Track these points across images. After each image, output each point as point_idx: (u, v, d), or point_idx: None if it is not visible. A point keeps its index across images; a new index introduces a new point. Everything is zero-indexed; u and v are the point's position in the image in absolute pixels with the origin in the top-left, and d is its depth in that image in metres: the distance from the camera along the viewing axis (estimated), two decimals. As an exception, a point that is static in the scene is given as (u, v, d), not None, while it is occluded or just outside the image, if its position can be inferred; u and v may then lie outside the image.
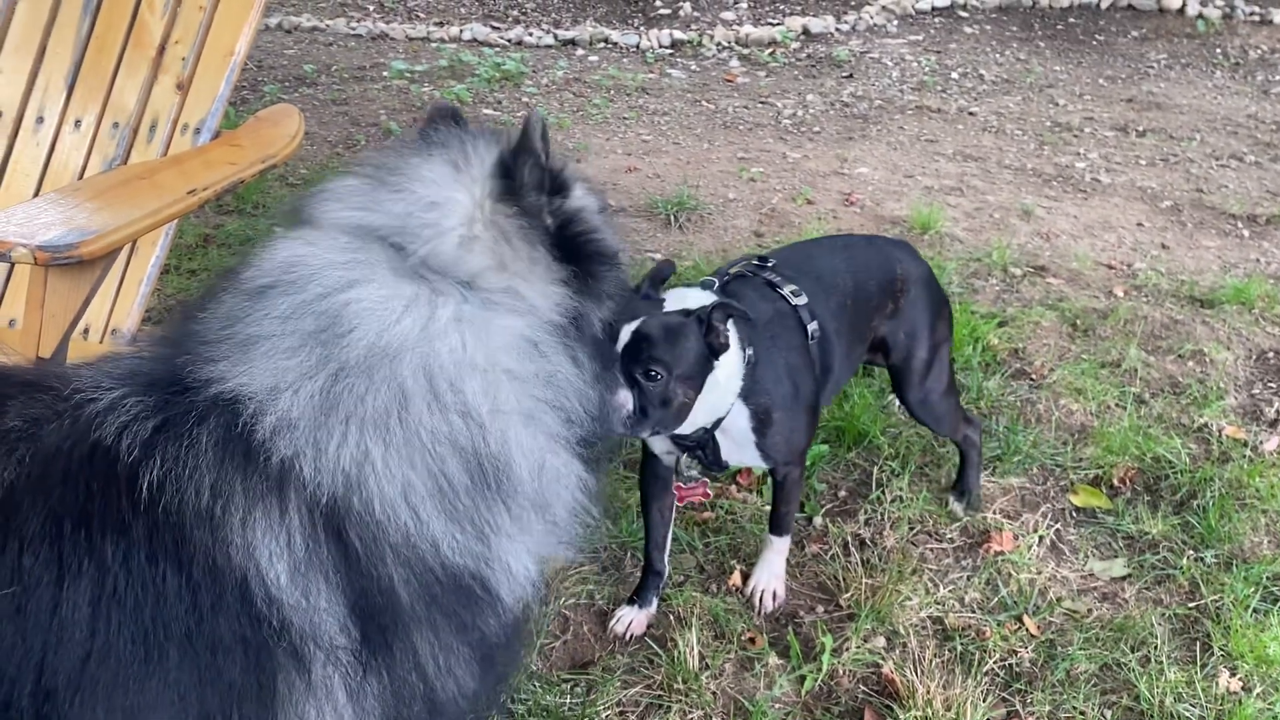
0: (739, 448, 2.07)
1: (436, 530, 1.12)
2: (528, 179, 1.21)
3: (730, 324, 1.91)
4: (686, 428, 1.95)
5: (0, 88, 2.38)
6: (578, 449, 1.24)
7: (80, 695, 0.97)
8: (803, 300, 2.11)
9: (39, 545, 0.98)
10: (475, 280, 1.18)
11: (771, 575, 2.28)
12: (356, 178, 1.27)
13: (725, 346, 1.88)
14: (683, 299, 1.95)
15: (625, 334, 1.77)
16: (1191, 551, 2.44)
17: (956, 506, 2.56)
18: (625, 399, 1.78)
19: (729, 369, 1.94)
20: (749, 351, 1.98)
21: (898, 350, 2.35)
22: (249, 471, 1.07)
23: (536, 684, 2.02)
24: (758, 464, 2.16)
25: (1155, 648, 2.15)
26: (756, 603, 2.26)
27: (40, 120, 2.38)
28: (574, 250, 1.25)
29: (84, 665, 0.98)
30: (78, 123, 2.38)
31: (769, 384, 2.02)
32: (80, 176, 2.34)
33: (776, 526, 2.26)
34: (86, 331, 2.21)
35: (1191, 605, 2.29)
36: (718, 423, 2.01)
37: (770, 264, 2.19)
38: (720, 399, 1.96)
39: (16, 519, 0.99)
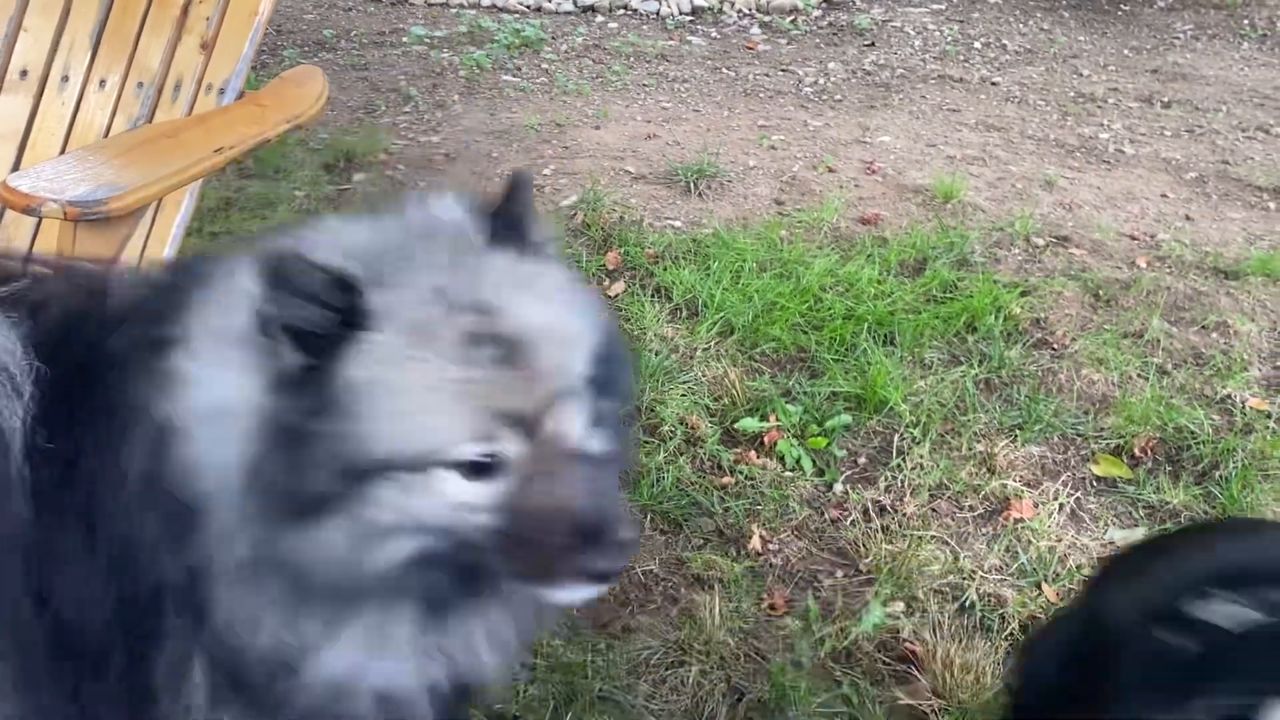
0: None
1: None
2: None
3: None
4: None
5: (26, 47, 2.39)
6: None
7: None
8: None
9: None
10: None
11: None
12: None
13: None
14: None
15: None
16: (1213, 521, 2.44)
17: None
18: None
19: None
20: None
21: None
22: None
23: (559, 643, 2.04)
24: None
25: (1175, 615, 2.15)
26: None
27: (65, 79, 2.38)
28: None
29: None
30: (102, 82, 2.38)
31: None
32: (105, 135, 2.34)
33: None
34: (112, 290, 2.22)
35: (1212, 574, 2.29)
36: None
37: None
38: None
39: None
